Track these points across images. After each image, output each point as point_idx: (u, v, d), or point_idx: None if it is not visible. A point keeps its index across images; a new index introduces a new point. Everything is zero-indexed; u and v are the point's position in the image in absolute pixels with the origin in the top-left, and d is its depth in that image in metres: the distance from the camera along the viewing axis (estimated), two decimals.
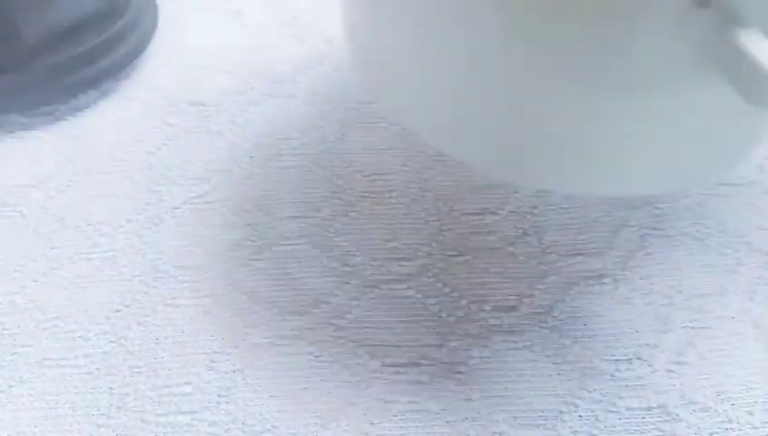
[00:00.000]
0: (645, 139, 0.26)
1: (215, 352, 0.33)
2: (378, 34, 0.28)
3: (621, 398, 0.32)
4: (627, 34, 0.23)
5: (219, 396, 0.31)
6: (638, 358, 0.33)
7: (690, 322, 0.34)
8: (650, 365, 0.33)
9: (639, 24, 0.23)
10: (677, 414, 0.32)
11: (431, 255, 0.36)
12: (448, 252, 0.36)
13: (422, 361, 0.33)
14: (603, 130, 0.26)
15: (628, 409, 0.32)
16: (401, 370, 0.32)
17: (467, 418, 0.31)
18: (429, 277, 0.35)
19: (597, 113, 0.25)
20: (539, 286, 0.35)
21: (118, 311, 0.34)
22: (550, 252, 0.36)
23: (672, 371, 0.33)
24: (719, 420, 0.31)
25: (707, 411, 0.32)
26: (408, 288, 0.35)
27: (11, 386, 0.32)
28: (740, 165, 0.28)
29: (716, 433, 0.31)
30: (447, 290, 0.35)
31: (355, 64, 0.30)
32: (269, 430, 0.31)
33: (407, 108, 0.28)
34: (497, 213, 0.38)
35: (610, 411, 0.32)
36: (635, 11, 0.23)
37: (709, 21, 0.22)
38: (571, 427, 0.31)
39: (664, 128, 0.26)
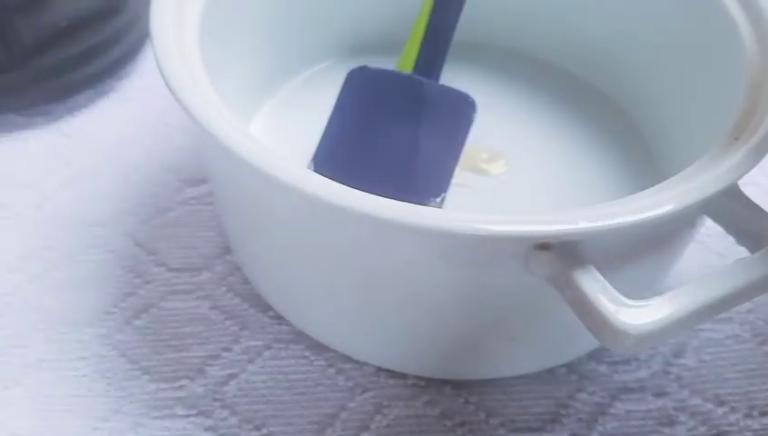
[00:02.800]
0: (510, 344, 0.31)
1: (210, 356, 0.33)
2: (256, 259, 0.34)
3: (620, 399, 0.32)
4: (486, 270, 0.27)
5: (214, 400, 0.31)
6: (637, 359, 0.33)
7: None
8: (649, 367, 0.33)
9: (494, 262, 0.26)
10: (677, 416, 0.31)
11: None
12: None
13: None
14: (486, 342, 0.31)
15: (627, 411, 0.32)
16: (398, 374, 0.32)
17: (464, 422, 0.31)
18: None
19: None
20: None
21: (113, 312, 0.34)
22: None
23: (670, 373, 0.33)
24: (718, 422, 0.31)
25: (706, 414, 0.32)
26: None
27: (6, 387, 0.32)
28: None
29: None
30: None
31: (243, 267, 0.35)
32: (265, 435, 0.30)
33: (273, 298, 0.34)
34: None
35: (609, 413, 0.31)
36: (490, 252, 0.26)
37: (551, 260, 0.25)
38: (570, 430, 0.31)
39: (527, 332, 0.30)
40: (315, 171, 0.28)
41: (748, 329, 0.34)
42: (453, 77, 0.41)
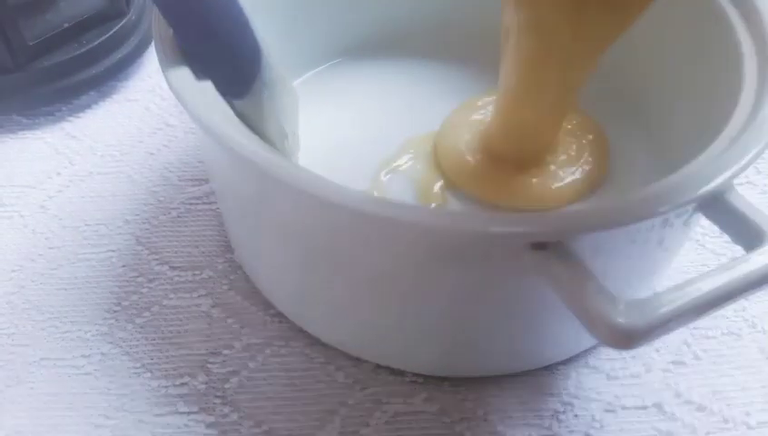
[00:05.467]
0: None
1: (212, 353, 0.33)
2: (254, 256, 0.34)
3: (617, 397, 0.32)
4: (483, 269, 0.27)
5: (216, 397, 0.32)
6: (633, 357, 0.33)
7: None
8: (645, 364, 0.33)
9: (491, 260, 0.26)
10: (673, 413, 0.32)
11: None
12: None
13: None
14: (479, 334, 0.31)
15: (624, 408, 0.32)
16: (396, 371, 0.33)
17: (463, 418, 0.31)
18: None
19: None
20: None
21: (115, 310, 0.34)
22: None
23: (667, 370, 0.33)
24: (714, 419, 0.31)
25: (703, 411, 0.32)
26: None
27: (8, 386, 0.32)
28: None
29: (712, 433, 0.31)
30: None
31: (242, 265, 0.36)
32: (266, 431, 0.31)
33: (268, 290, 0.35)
34: None
35: (606, 411, 0.32)
36: (487, 250, 0.26)
37: (547, 260, 0.24)
38: (567, 426, 0.31)
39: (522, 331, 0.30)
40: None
41: (744, 326, 0.34)
42: (455, 76, 0.41)
